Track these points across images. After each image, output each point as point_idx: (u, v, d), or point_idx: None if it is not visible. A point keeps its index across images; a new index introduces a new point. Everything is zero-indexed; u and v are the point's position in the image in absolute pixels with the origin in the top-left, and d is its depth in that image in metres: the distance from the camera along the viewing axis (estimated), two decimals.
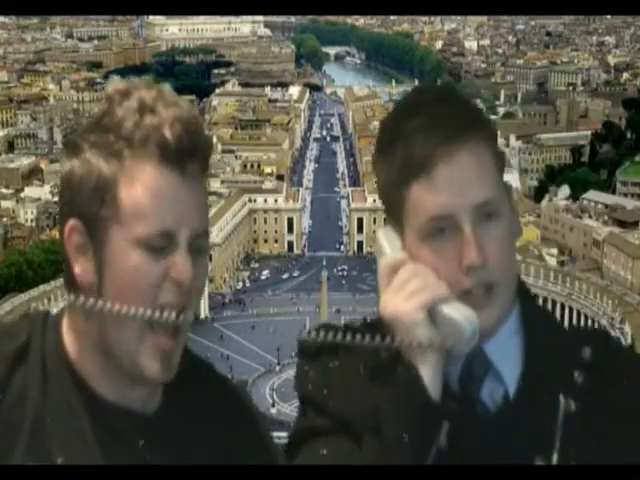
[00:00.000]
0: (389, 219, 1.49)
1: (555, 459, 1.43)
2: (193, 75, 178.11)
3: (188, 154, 1.36)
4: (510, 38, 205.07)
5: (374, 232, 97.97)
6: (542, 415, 1.45)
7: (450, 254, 1.41)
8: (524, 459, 1.44)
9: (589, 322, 64.91)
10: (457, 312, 1.40)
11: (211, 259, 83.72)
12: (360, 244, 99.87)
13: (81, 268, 1.38)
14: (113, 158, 1.35)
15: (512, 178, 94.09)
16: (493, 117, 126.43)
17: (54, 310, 1.44)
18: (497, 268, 1.42)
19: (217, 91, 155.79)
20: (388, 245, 1.47)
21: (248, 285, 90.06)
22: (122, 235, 1.34)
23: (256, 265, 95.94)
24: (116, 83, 1.39)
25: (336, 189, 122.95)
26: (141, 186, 1.34)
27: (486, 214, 1.41)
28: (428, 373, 1.40)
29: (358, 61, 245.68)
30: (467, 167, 1.40)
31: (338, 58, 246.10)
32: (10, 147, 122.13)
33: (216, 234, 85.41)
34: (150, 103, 1.36)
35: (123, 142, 1.35)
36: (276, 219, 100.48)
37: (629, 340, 58.26)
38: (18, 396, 1.38)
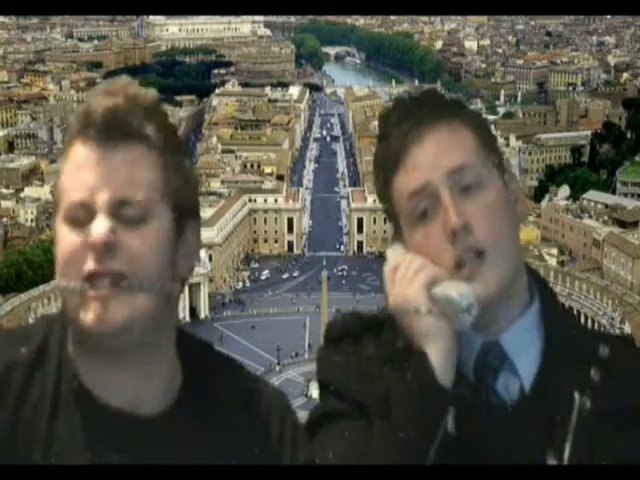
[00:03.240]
0: (393, 228, 1.54)
1: (566, 456, 1.45)
2: (193, 75, 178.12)
3: (90, 119, 1.38)
4: (510, 38, 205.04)
5: (374, 232, 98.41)
6: (556, 412, 1.47)
7: (437, 231, 1.45)
8: (535, 453, 1.46)
9: (589, 322, 64.99)
10: (450, 289, 1.44)
11: (211, 259, 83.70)
12: (360, 244, 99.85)
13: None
14: (63, 154, 1.42)
15: None
16: (493, 117, 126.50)
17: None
18: (484, 234, 1.45)
19: (217, 91, 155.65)
20: (393, 258, 1.51)
21: (248, 285, 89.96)
22: (57, 217, 1.39)
23: (256, 265, 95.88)
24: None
25: (336, 189, 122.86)
26: (68, 165, 1.39)
27: (465, 182, 1.46)
28: (437, 359, 1.43)
29: (358, 61, 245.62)
30: (439, 143, 1.46)
31: (338, 58, 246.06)
32: (10, 147, 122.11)
33: (216, 234, 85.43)
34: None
35: (67, 135, 1.42)
36: (276, 219, 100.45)
37: None
38: (36, 399, 1.39)
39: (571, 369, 1.49)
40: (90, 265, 1.34)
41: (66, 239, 1.36)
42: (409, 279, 1.44)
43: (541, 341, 1.52)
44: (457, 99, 1.57)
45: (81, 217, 1.35)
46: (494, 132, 1.59)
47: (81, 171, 1.37)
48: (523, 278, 1.54)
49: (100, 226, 1.34)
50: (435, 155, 1.46)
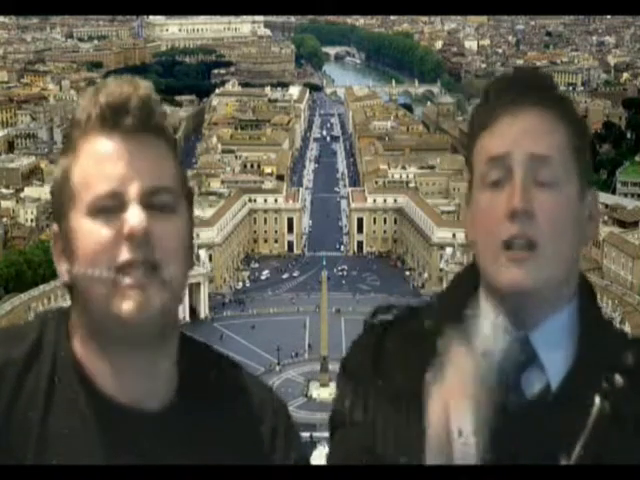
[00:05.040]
0: (467, 184, 1.57)
1: (575, 458, 1.44)
2: (193, 75, 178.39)
3: (121, 111, 1.38)
4: (510, 38, 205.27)
5: (374, 232, 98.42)
6: (574, 414, 1.45)
7: (500, 203, 1.46)
8: (545, 453, 1.45)
9: None
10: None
11: (211, 259, 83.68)
12: (360, 244, 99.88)
13: (62, 268, 1.42)
14: (70, 149, 1.40)
15: None
16: None
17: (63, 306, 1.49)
18: (543, 226, 1.44)
19: (217, 91, 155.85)
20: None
21: (248, 285, 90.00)
22: (77, 211, 1.37)
23: (256, 265, 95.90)
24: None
25: (336, 189, 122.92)
26: (86, 158, 1.38)
27: (541, 173, 1.46)
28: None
29: (358, 61, 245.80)
30: (530, 123, 1.48)
31: (338, 58, 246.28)
32: (10, 147, 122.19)
33: (216, 234, 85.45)
34: (99, 89, 1.41)
35: (75, 130, 1.40)
36: (276, 219, 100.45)
37: None
38: (29, 397, 1.39)
39: (598, 373, 1.46)
40: (126, 255, 1.34)
41: (93, 231, 1.35)
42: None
43: (574, 341, 1.50)
44: (566, 95, 1.57)
45: (111, 208, 1.35)
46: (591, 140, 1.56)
47: (106, 163, 1.36)
48: (571, 283, 1.52)
49: (136, 216, 1.34)
50: (524, 133, 1.47)
